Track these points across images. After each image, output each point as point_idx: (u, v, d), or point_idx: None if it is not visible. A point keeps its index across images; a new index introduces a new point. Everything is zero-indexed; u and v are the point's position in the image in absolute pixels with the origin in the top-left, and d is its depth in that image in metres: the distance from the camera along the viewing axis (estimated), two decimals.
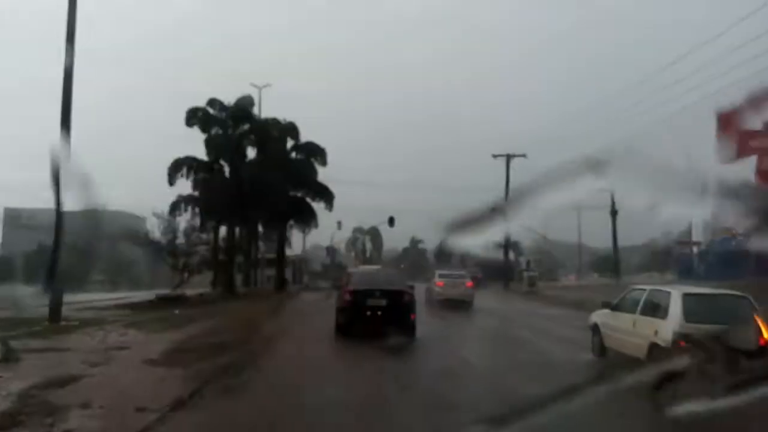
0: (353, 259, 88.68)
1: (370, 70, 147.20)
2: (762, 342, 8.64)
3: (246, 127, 35.07)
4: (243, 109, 34.76)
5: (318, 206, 40.52)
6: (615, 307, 11.08)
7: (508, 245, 44.86)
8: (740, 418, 4.44)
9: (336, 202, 40.69)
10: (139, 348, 12.03)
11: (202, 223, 34.35)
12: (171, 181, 33.61)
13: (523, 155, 43.76)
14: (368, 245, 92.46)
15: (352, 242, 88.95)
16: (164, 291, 31.84)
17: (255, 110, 36.72)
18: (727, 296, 9.98)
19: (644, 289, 10.77)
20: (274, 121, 36.08)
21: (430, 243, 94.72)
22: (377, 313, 13.67)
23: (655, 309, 9.71)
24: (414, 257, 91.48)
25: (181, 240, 32.02)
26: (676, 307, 9.15)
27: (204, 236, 33.35)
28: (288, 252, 63.97)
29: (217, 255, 37.84)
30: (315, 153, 39.47)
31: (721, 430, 5.02)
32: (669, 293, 9.70)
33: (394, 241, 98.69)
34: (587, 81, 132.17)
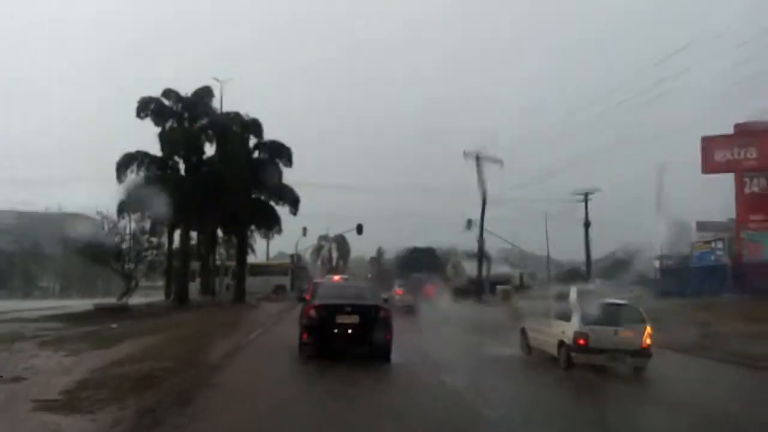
0: (319, 267, 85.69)
1: (335, 66, 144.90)
2: (644, 345, 11.18)
3: (204, 121, 32.18)
4: (201, 101, 31.90)
5: (282, 210, 37.89)
6: (534, 315, 13.89)
7: (481, 257, 42.92)
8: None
9: (301, 207, 38.15)
10: (41, 378, 9.28)
11: (153, 226, 31.31)
12: (120, 178, 30.51)
13: (500, 161, 41.84)
14: (334, 254, 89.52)
15: (318, 250, 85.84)
16: (110, 300, 28.77)
17: (216, 105, 34.07)
18: (617, 304, 12.06)
19: (546, 296, 14.13)
20: (236, 116, 33.28)
21: (394, 251, 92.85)
22: (347, 331, 11.80)
23: (563, 315, 11.94)
24: (380, 267, 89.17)
25: (129, 244, 28.94)
26: (575, 310, 11.55)
27: (154, 240, 30.21)
28: (251, 259, 61.09)
29: (171, 261, 34.84)
30: (280, 152, 36.83)
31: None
32: (572, 297, 12.10)
33: (361, 249, 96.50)
34: (562, 79, 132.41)
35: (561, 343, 11.61)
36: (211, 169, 32.17)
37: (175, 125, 31.27)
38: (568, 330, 11.40)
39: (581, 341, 11.05)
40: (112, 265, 28.38)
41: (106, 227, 27.56)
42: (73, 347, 12.65)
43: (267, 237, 42.73)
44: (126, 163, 30.37)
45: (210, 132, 32.46)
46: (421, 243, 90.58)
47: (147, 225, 29.46)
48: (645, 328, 11.23)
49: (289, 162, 37.19)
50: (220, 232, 44.26)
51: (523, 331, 13.96)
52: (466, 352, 14.74)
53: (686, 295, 37.51)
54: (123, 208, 30.91)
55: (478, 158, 41.66)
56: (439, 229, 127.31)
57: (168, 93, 31.71)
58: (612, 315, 11.56)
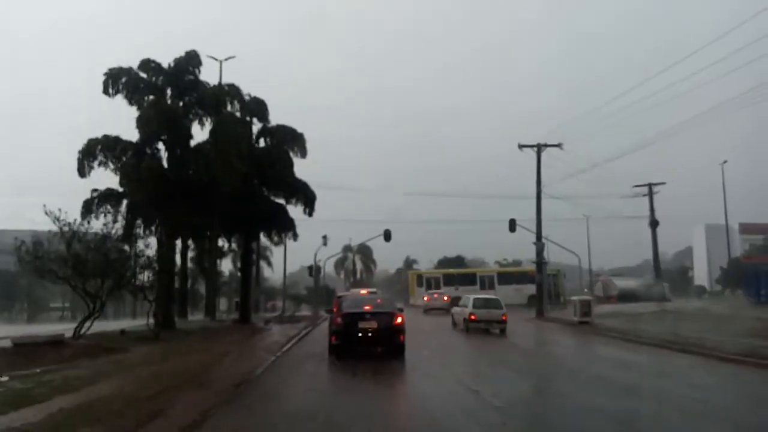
0: (343, 281, 78.64)
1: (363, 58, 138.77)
2: (502, 318, 23.24)
3: (192, 96, 25.34)
4: (186, 71, 25.08)
5: (296, 211, 30.90)
6: (456, 305, 27.52)
7: (540, 261, 35.27)
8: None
9: (322, 213, 31.17)
10: None
11: (129, 230, 24.57)
12: (81, 172, 23.69)
13: (558, 145, 34.34)
14: (359, 265, 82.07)
15: (341, 262, 78.68)
16: (57, 327, 21.98)
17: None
18: (491, 298, 25.60)
19: (462, 296, 28.43)
20: (233, 89, 26.34)
21: (425, 262, 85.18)
22: (368, 334, 14.62)
23: (465, 304, 24.65)
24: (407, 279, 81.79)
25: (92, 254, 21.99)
26: (470, 302, 24.06)
27: (126, 249, 23.30)
28: (269, 274, 53.71)
29: (160, 276, 27.93)
30: (290, 139, 29.94)
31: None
32: (469, 297, 25.07)
33: (388, 261, 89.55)
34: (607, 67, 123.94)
35: (465, 319, 23.87)
36: (202, 158, 25.23)
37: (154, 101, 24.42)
38: (467, 312, 23.77)
39: (472, 317, 23.40)
40: (70, 281, 21.47)
41: (59, 233, 20.60)
42: None
43: (278, 244, 35.69)
44: (91, 151, 23.60)
45: (199, 111, 25.58)
46: (450, 252, 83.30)
47: (116, 229, 22.51)
48: (503, 310, 23.55)
49: (302, 151, 30.32)
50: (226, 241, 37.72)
51: (451, 316, 27.20)
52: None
53: None
54: (89, 209, 24.32)
55: (539, 149, 34.37)
56: (467, 237, 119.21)
57: (146, 64, 24.98)
58: (487, 303, 24.12)
